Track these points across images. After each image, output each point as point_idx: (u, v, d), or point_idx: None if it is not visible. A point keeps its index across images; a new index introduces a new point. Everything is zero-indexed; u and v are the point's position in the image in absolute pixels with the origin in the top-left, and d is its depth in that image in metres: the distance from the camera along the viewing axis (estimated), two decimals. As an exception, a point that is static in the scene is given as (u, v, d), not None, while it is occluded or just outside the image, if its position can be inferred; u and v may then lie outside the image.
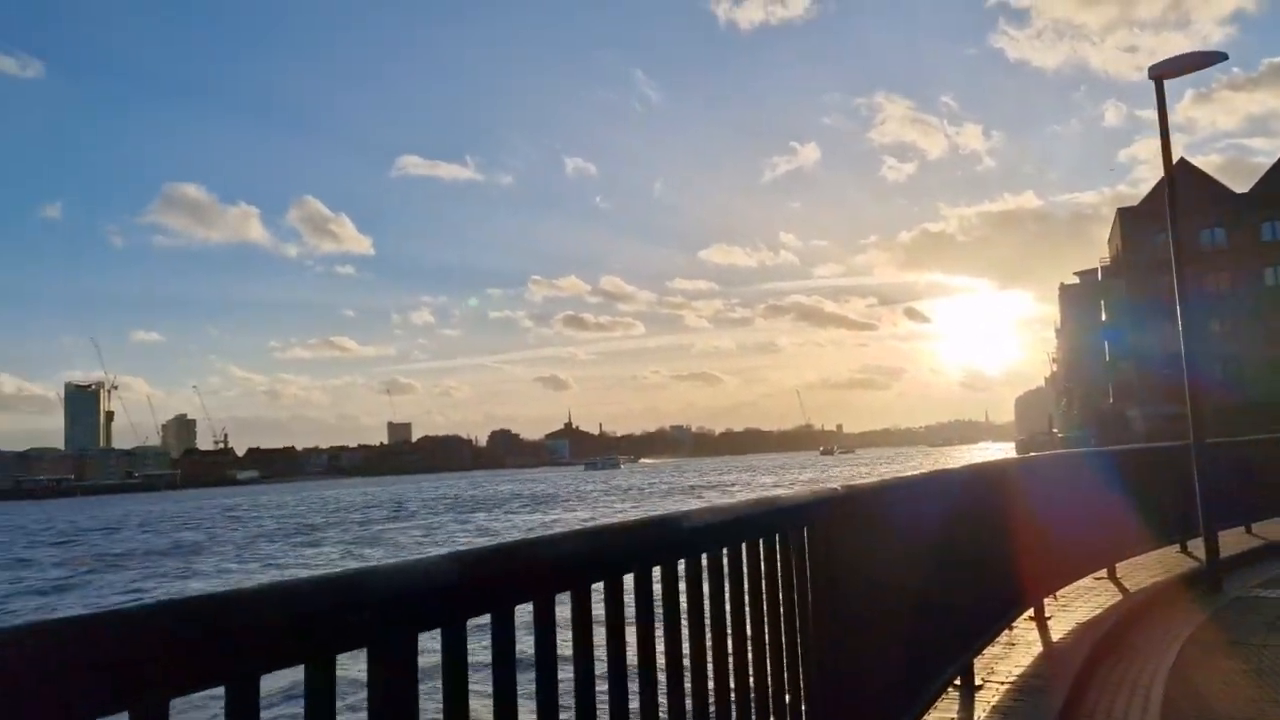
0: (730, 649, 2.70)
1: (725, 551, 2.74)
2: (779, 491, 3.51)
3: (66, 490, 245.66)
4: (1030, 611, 6.73)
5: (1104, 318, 70.14)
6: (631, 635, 2.24)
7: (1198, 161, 65.16)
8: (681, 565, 2.47)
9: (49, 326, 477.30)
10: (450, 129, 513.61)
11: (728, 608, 2.72)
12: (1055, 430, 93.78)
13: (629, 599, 2.23)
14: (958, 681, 4.99)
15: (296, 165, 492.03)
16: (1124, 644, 6.49)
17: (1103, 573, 8.60)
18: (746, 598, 2.88)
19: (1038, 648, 6.02)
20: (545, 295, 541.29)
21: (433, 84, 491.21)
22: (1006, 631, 6.21)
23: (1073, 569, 7.81)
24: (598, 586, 2.12)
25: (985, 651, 5.60)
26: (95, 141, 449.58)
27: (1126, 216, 62.89)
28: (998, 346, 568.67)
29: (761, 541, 2.99)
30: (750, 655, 2.83)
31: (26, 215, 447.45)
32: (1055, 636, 6.35)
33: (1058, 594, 7.52)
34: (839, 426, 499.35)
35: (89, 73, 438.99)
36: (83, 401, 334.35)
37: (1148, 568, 9.16)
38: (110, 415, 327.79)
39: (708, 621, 2.58)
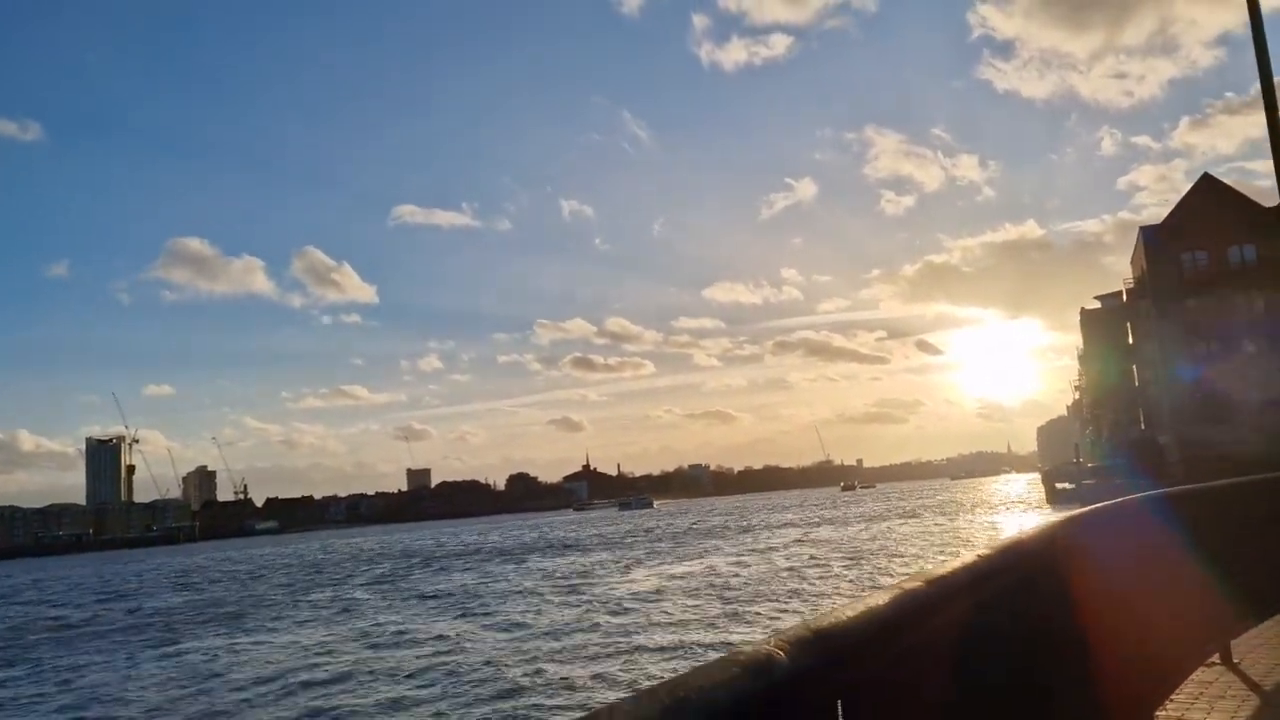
0: None
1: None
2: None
3: (86, 545, 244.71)
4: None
5: (1131, 341, 67.69)
6: None
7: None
8: None
9: (62, 383, 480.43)
10: (443, 177, 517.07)
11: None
12: (1082, 460, 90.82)
13: None
14: None
15: (296, 216, 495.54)
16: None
17: (1215, 658, 6.49)
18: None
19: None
20: (552, 338, 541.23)
21: (422, 133, 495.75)
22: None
23: (1175, 662, 5.72)
24: None
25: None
26: (97, 200, 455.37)
27: (1150, 235, 60.61)
28: (1012, 376, 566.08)
29: None
30: None
31: (33, 275, 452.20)
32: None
33: (1170, 701, 5.41)
34: (859, 461, 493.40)
35: (86, 133, 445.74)
36: (104, 456, 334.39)
37: (1272, 644, 7.00)
38: (131, 469, 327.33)
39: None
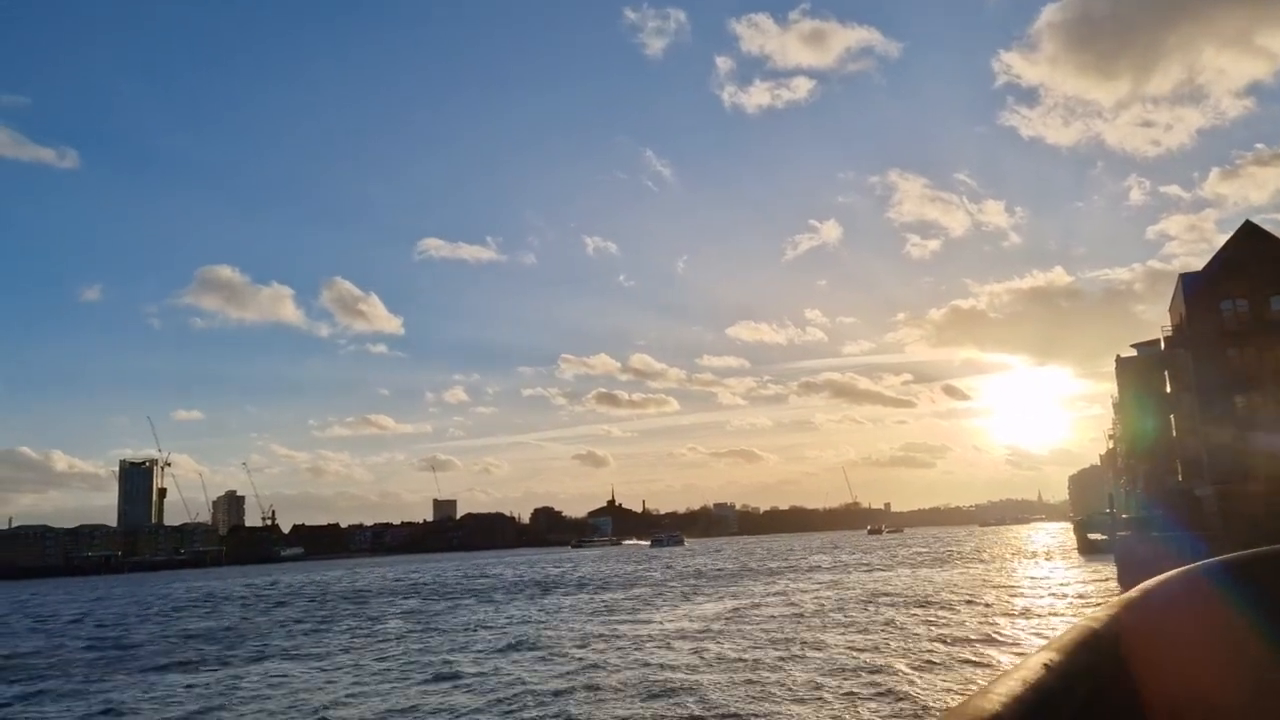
0: None
1: None
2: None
3: (115, 566, 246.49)
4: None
5: (1168, 390, 66.37)
6: None
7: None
8: None
9: (95, 405, 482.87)
10: (469, 211, 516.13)
11: None
12: (1116, 510, 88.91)
13: None
14: None
15: (324, 247, 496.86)
16: None
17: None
18: None
19: None
20: (576, 373, 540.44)
21: (448, 168, 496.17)
22: None
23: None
24: None
25: None
26: (130, 226, 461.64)
27: (1189, 282, 59.54)
28: (1041, 423, 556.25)
29: None
30: None
31: (67, 298, 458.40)
32: None
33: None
34: (887, 505, 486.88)
35: (122, 161, 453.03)
36: (137, 478, 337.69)
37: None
38: (163, 492, 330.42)
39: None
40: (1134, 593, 4.08)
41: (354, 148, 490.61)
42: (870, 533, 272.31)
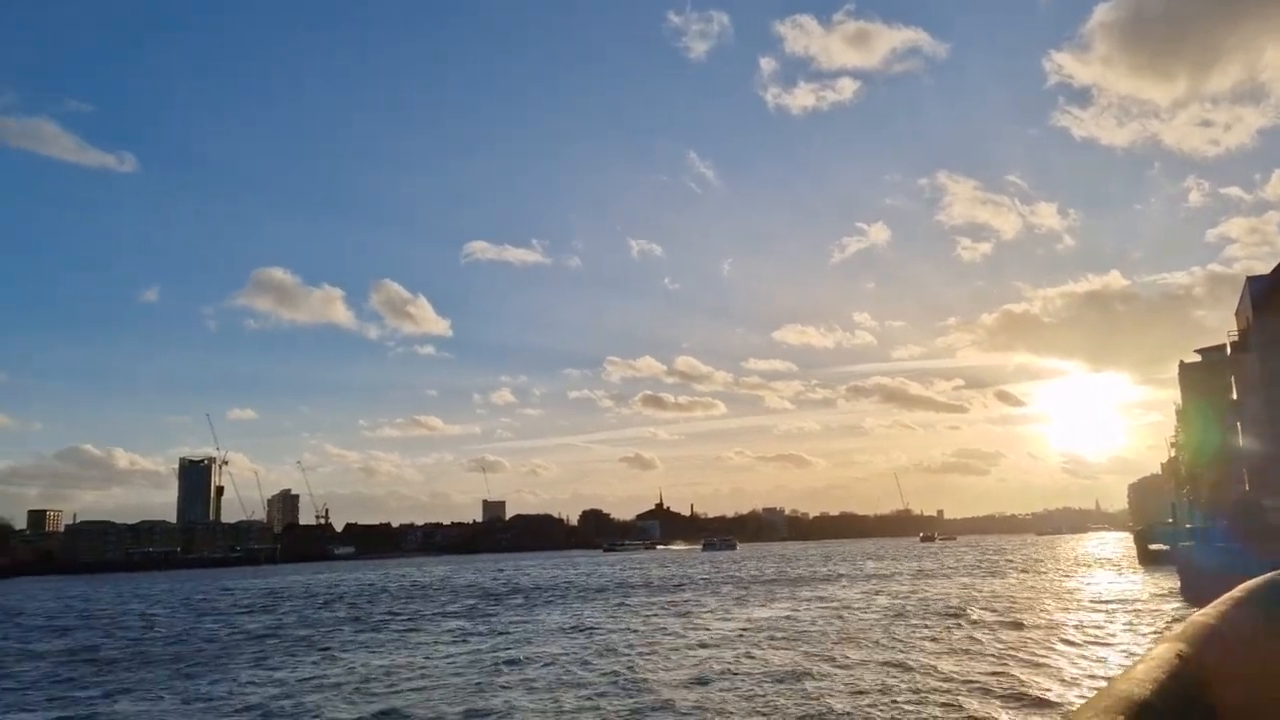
0: None
1: None
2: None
3: (174, 563, 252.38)
4: None
5: (1235, 396, 64.48)
6: None
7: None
8: None
9: (153, 404, 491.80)
10: (514, 214, 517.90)
11: None
12: (1178, 520, 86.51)
13: None
14: None
15: (373, 250, 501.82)
16: None
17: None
18: None
19: None
20: (622, 376, 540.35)
21: (493, 171, 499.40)
22: None
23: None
24: None
25: None
26: (186, 230, 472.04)
27: (1256, 285, 57.81)
28: (1098, 431, 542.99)
29: None
30: None
31: (127, 299, 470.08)
32: None
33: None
34: (939, 512, 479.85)
35: (177, 165, 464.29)
36: (195, 476, 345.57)
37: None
38: (220, 490, 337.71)
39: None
40: (1238, 591, 3.87)
41: (402, 151, 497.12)
42: (923, 540, 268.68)
